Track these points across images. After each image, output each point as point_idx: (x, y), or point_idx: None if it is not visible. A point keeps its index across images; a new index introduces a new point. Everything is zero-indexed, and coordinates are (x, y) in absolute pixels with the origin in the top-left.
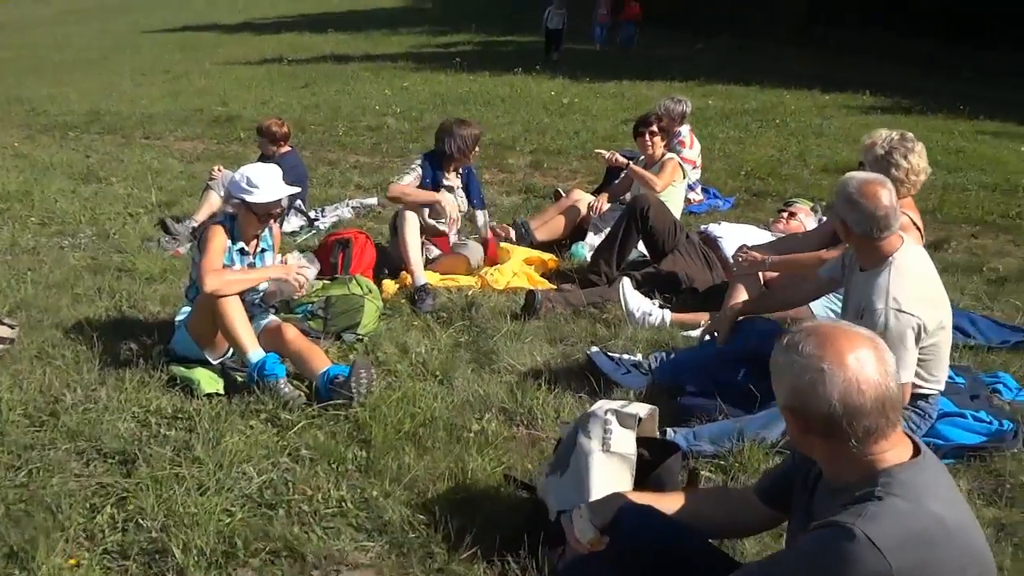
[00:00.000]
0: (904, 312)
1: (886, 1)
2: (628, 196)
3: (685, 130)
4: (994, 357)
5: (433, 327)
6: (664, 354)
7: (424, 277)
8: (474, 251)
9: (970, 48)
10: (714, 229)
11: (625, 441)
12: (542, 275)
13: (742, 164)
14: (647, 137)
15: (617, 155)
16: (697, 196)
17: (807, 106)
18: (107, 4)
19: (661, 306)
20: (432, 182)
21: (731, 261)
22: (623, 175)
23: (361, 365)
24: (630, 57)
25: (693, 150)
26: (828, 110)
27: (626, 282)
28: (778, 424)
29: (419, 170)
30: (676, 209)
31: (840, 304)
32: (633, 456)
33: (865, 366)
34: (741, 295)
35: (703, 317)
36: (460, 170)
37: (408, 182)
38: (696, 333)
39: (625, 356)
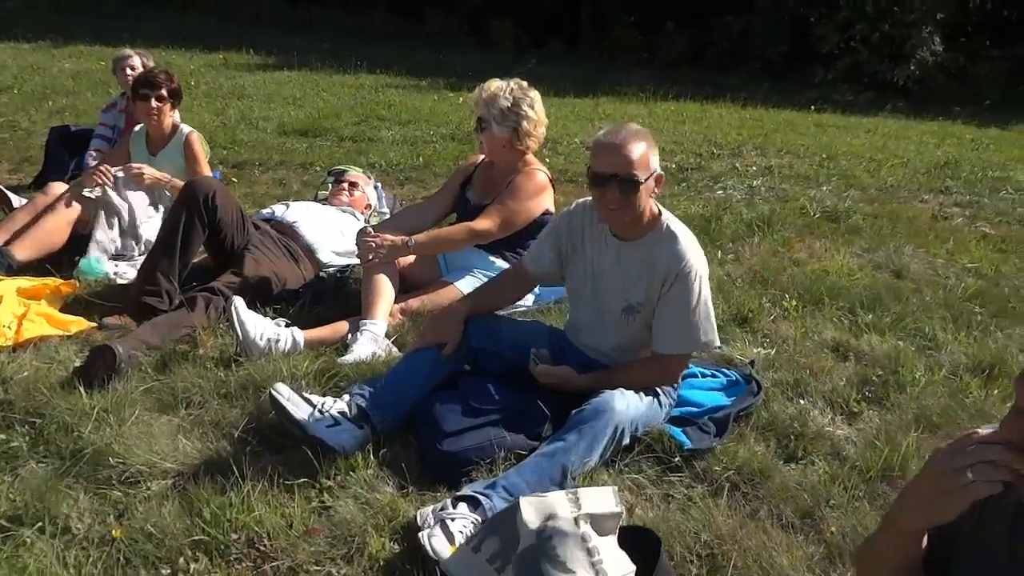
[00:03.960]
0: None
1: None
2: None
3: None
4: None
5: None
6: (367, 387)
7: None
8: None
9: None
10: (280, 212)
11: (619, 561)
12: (63, 309)
13: None
14: (153, 103)
15: None
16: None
17: (200, 66)
18: None
19: (287, 324)
20: None
21: (355, 248)
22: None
23: None
24: None
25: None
26: (225, 70)
27: (239, 302)
28: (602, 437)
29: None
30: None
31: None
32: None
33: None
34: (385, 288)
35: (342, 328)
36: None
37: None
38: (360, 354)
39: (316, 398)
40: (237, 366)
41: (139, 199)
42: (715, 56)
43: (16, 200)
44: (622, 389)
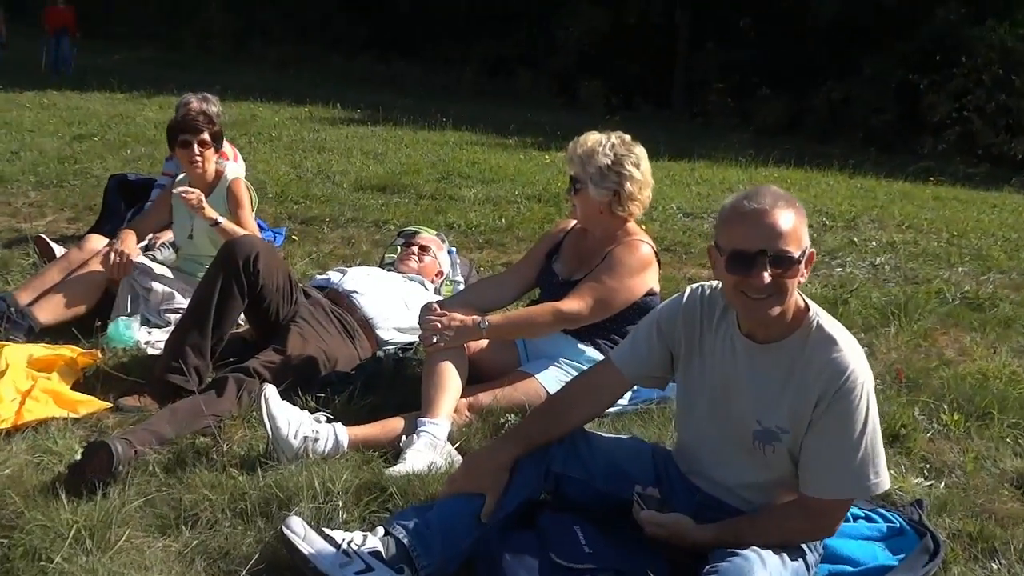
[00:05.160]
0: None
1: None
2: (171, 234)
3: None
4: None
5: None
6: (413, 517)
7: None
8: None
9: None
10: (336, 279)
11: None
12: (74, 386)
13: (263, 185)
14: (196, 149)
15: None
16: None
17: (285, 119)
18: None
19: (328, 419)
20: None
21: (420, 326)
22: (154, 199)
23: None
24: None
25: (239, 164)
26: (309, 123)
27: (270, 391)
28: None
29: None
30: None
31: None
32: None
33: None
34: (450, 378)
35: (395, 426)
36: None
37: None
38: (414, 464)
39: (340, 535)
40: (264, 470)
41: (158, 289)
42: (814, 123)
43: (59, 251)
44: (758, 550)
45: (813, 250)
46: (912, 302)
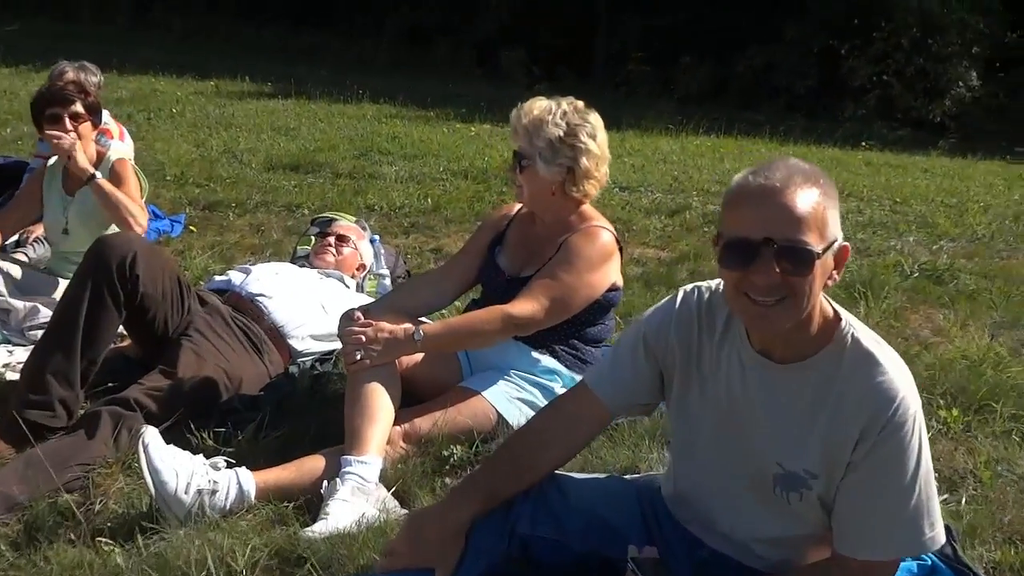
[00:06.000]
0: None
1: None
2: (21, 236)
3: (105, 114)
4: None
5: None
6: None
7: None
8: None
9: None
10: (239, 280)
11: None
12: None
13: (161, 166)
14: (68, 124)
15: None
16: None
17: (189, 93)
18: None
19: (229, 464)
20: None
21: (340, 339)
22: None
23: None
24: None
25: (126, 143)
26: (215, 97)
27: (150, 435)
28: None
29: None
30: None
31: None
32: None
33: None
34: (379, 404)
35: (314, 467)
36: None
37: None
38: (338, 520)
39: None
40: (146, 537)
41: (18, 306)
42: (738, 90)
43: None
44: None
45: (847, 244)
46: (877, 279)
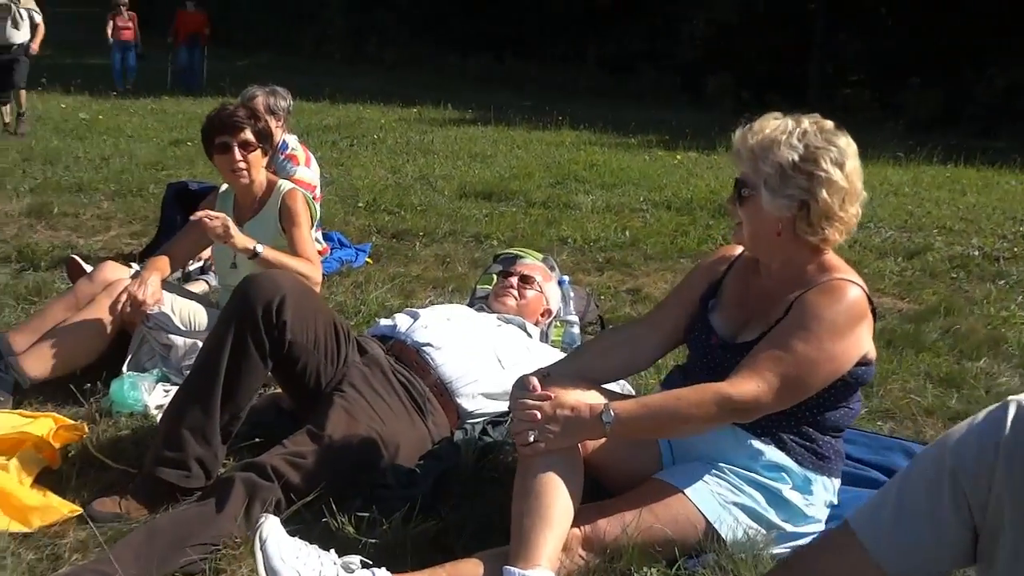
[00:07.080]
0: None
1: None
2: (205, 262)
3: (293, 140)
4: None
5: None
6: None
7: None
8: None
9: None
10: (406, 327)
11: None
12: (40, 476)
13: (355, 193)
14: (237, 153)
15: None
16: (319, 246)
17: (392, 120)
18: None
19: (364, 563)
20: None
21: (512, 415)
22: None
23: None
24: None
25: (312, 169)
26: (417, 124)
27: (269, 523)
28: None
29: None
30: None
31: None
32: None
33: None
34: (554, 501)
35: (474, 573)
36: None
37: None
38: None
39: None
40: None
41: (179, 343)
42: (975, 115)
43: None
44: None
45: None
46: None
